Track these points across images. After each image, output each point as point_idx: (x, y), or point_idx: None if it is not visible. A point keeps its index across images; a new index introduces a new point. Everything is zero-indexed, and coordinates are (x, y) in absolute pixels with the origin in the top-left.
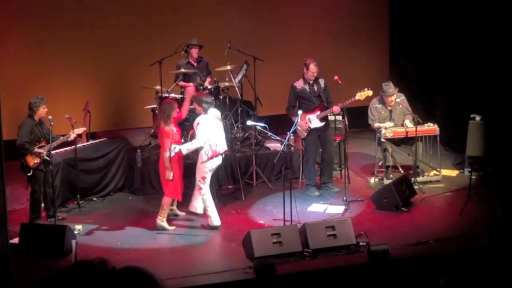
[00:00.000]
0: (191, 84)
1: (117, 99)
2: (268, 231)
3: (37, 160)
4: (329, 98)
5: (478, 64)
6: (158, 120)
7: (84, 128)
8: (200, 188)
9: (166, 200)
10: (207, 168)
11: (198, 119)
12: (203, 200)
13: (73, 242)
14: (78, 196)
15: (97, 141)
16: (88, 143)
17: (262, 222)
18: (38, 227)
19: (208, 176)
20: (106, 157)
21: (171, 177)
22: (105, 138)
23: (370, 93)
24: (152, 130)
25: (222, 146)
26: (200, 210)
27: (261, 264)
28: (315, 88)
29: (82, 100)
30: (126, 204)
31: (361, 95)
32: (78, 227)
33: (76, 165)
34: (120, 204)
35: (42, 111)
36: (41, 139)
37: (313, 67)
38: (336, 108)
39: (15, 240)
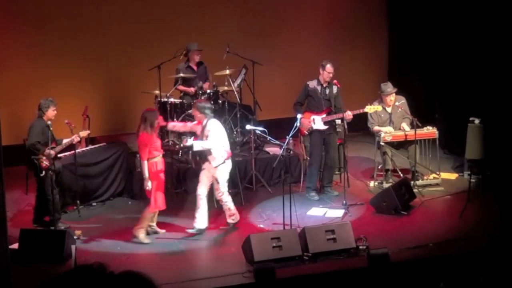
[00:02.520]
0: (191, 89)
1: (116, 104)
2: (267, 235)
3: (48, 161)
4: (338, 105)
5: (477, 67)
6: (139, 128)
7: (88, 131)
8: (223, 193)
9: (148, 212)
10: (227, 170)
11: (209, 125)
12: (226, 203)
13: (73, 247)
14: (78, 201)
15: (96, 146)
16: (87, 148)
17: (261, 226)
18: (37, 233)
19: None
20: (105, 162)
21: (149, 187)
22: (104, 143)
23: (379, 108)
24: None
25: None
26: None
27: (261, 268)
28: (327, 91)
29: (81, 105)
30: (126, 209)
31: (370, 108)
32: (78, 232)
33: (76, 170)
34: (120, 209)
35: (51, 112)
36: (51, 141)
37: (329, 67)
38: (347, 114)
39: (15, 246)
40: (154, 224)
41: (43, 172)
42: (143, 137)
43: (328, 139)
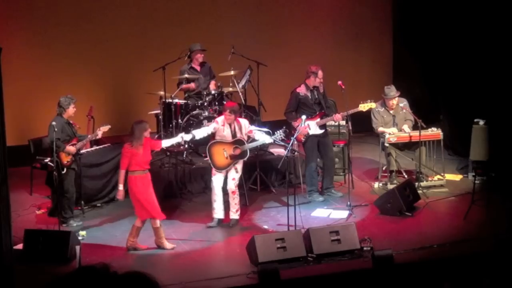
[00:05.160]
0: (192, 84)
1: (120, 104)
2: (272, 236)
3: (70, 158)
4: (327, 103)
5: (481, 69)
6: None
7: (109, 126)
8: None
9: (158, 222)
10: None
11: (245, 122)
12: (237, 194)
13: (77, 247)
14: (82, 202)
15: (100, 146)
16: (92, 149)
17: (266, 227)
18: (42, 233)
19: None
20: (110, 162)
21: (119, 198)
22: (109, 144)
23: (373, 105)
24: (156, 136)
25: None
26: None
27: (265, 269)
28: (316, 94)
29: (85, 106)
30: (130, 210)
31: (363, 107)
32: (82, 232)
33: (80, 171)
34: (124, 209)
35: (71, 110)
36: (72, 138)
37: (321, 74)
38: (337, 117)
39: (19, 246)
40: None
41: (64, 170)
42: (125, 148)
43: (323, 142)
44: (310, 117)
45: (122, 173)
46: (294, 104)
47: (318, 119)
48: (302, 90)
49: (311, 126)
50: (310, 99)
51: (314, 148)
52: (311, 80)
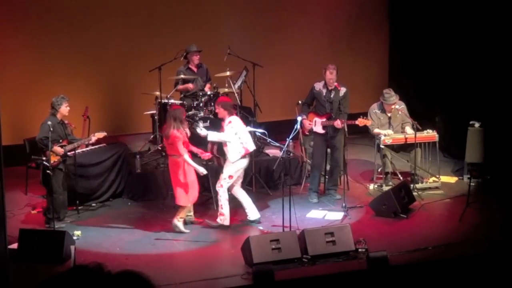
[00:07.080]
0: (190, 85)
1: (116, 105)
2: (267, 237)
3: (57, 159)
4: (345, 109)
5: (477, 71)
6: (167, 127)
7: (105, 133)
8: (221, 186)
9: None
10: (237, 167)
11: (229, 118)
12: (219, 197)
13: (72, 247)
14: (77, 202)
15: (96, 147)
16: (87, 148)
17: (261, 228)
18: (37, 233)
19: (235, 176)
20: (105, 163)
21: (205, 172)
22: (104, 144)
23: (369, 123)
24: (152, 136)
25: (251, 146)
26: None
27: (259, 270)
28: (332, 95)
29: (81, 106)
30: (125, 210)
31: (360, 121)
32: (77, 232)
33: (75, 171)
34: (119, 210)
35: (64, 109)
36: (63, 139)
37: (328, 74)
38: (337, 123)
39: (14, 246)
40: (191, 213)
41: (50, 169)
42: (176, 135)
43: (331, 142)
44: (320, 114)
45: (188, 157)
46: (309, 98)
47: (324, 119)
48: (318, 85)
49: (316, 123)
50: (324, 96)
51: (320, 148)
52: (324, 77)
